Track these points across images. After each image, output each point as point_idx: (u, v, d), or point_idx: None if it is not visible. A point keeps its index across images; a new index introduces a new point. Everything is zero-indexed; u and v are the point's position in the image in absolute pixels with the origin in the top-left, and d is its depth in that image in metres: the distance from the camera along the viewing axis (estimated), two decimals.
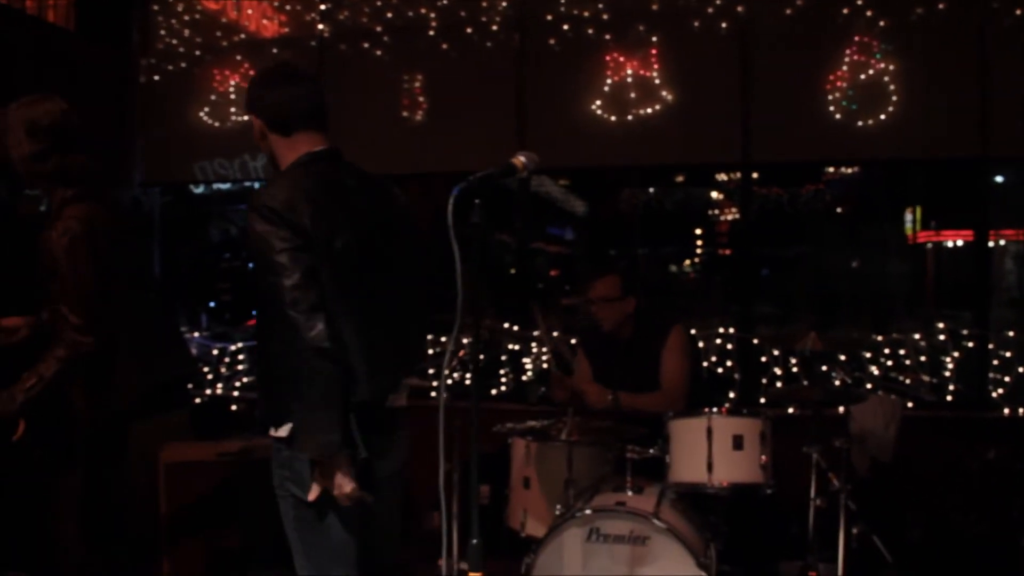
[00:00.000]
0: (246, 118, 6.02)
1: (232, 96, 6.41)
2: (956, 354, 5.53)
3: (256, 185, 6.51)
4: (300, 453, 2.52)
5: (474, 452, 2.21)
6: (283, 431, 2.56)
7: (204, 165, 6.49)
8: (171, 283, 7.06)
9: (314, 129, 2.74)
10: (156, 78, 6.55)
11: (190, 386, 5.81)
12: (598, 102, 5.78)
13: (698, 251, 12.82)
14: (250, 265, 2.67)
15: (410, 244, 2.84)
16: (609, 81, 5.77)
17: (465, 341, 3.48)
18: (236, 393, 6.39)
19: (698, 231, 12.54)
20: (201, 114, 6.44)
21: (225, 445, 4.67)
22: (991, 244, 6.11)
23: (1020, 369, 5.41)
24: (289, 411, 2.51)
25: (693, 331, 5.10)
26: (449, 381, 5.58)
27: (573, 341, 5.33)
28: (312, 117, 2.74)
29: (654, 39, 5.72)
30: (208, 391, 6.44)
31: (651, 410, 4.22)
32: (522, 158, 2.33)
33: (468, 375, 6.02)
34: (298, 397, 2.46)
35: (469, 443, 2.22)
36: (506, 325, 4.89)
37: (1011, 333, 5.47)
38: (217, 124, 6.44)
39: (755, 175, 6.26)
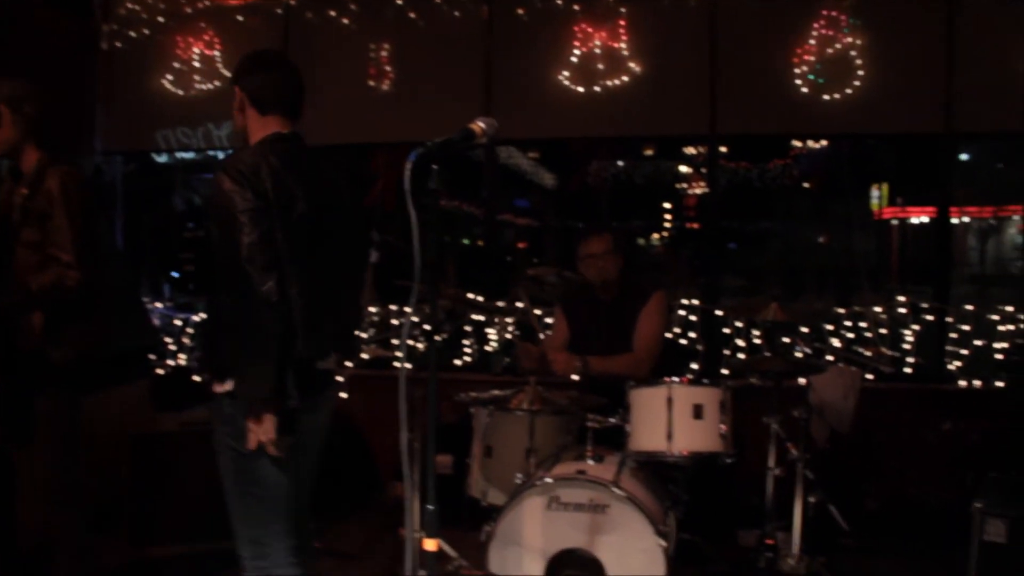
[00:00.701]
0: (210, 86, 5.98)
1: (196, 64, 6.30)
2: (916, 327, 5.60)
3: (220, 154, 6.43)
4: (239, 400, 2.70)
5: (431, 420, 2.22)
6: (227, 386, 2.74)
7: (167, 133, 6.39)
8: (133, 253, 6.98)
9: (285, 115, 2.95)
10: (118, 44, 6.43)
11: (152, 357, 5.78)
12: (566, 73, 5.76)
13: (666, 225, 12.87)
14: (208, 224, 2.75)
15: (352, 222, 3.08)
16: (577, 52, 5.74)
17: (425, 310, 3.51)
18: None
19: (667, 205, 12.58)
20: (164, 82, 6.34)
21: (188, 416, 4.65)
22: (955, 221, 6.17)
23: (977, 343, 5.49)
24: (232, 363, 2.70)
25: None
26: (413, 350, 5.59)
27: (535, 314, 5.33)
28: (287, 104, 2.96)
29: (623, 10, 5.70)
30: (171, 362, 6.39)
31: (620, 373, 4.28)
32: (481, 124, 2.33)
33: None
34: (242, 346, 2.65)
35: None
36: (471, 295, 4.89)
37: (970, 307, 5.54)
38: (181, 92, 6.34)
39: (723, 149, 6.28)
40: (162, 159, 7.20)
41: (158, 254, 7.59)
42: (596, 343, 4.51)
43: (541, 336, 5.02)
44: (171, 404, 4.88)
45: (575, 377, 4.46)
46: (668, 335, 5.46)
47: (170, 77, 6.34)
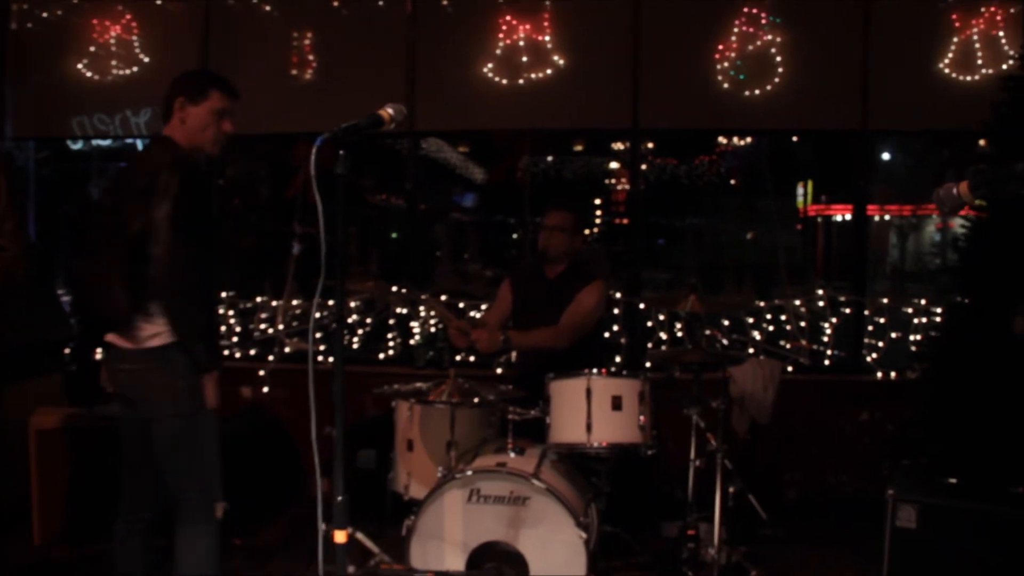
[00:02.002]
0: (128, 71, 5.83)
1: (114, 48, 6.11)
2: (834, 321, 5.71)
3: (139, 143, 6.25)
4: (198, 367, 3.02)
5: (338, 414, 2.18)
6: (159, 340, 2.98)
7: (82, 120, 6.19)
8: (47, 243, 6.75)
9: None
10: (29, 25, 6.19)
11: (66, 350, 5.62)
12: (490, 65, 5.73)
13: (596, 220, 12.94)
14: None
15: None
16: (502, 44, 5.72)
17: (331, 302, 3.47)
18: None
19: (596, 200, 12.65)
20: (80, 66, 6.13)
21: (100, 410, 4.51)
22: (876, 219, 6.30)
23: (893, 335, 5.62)
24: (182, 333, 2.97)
25: None
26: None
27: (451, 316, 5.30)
28: None
29: (547, 3, 5.70)
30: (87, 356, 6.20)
31: (540, 346, 4.36)
32: (389, 110, 2.30)
33: (355, 339, 5.96)
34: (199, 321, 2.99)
35: (355, 407, 2.22)
36: (395, 288, 4.84)
37: (885, 300, 5.66)
38: (97, 77, 6.14)
39: (650, 145, 6.31)
40: (77, 146, 6.96)
41: (73, 245, 7.36)
42: (534, 318, 4.53)
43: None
44: (86, 399, 4.74)
45: (499, 369, 4.46)
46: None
47: (86, 61, 6.13)
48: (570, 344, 4.36)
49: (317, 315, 5.81)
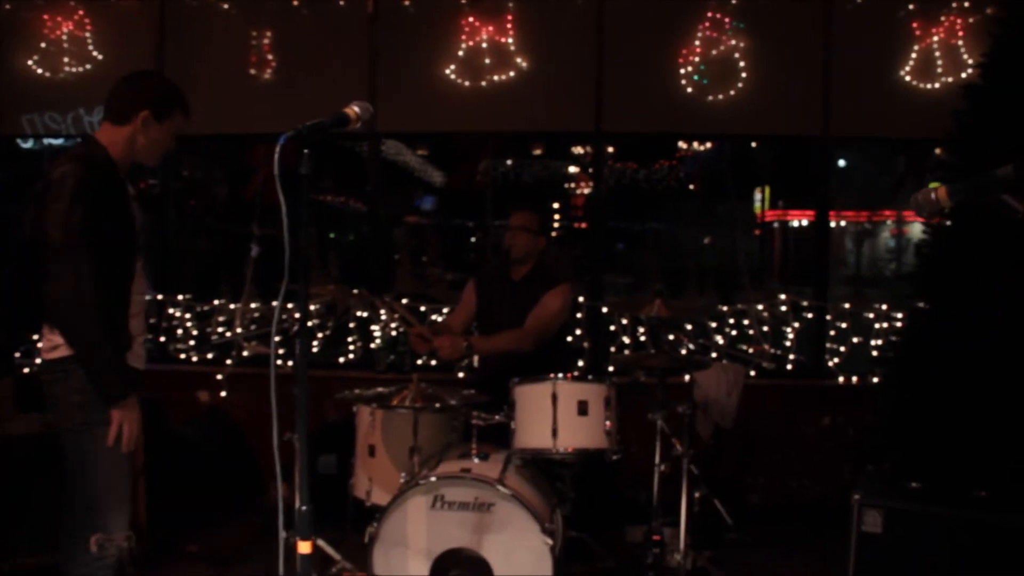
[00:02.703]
0: (80, 69, 5.69)
1: (65, 45, 5.97)
2: (796, 325, 5.73)
3: None
4: (107, 399, 2.80)
5: (301, 419, 2.11)
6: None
7: (33, 118, 6.03)
8: None
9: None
10: None
11: (16, 355, 5.46)
12: (452, 67, 5.68)
13: (555, 224, 12.92)
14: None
15: None
16: (464, 46, 5.67)
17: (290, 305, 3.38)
18: None
19: (555, 204, 12.64)
20: (30, 63, 5.98)
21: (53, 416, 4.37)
22: (833, 224, 6.34)
23: (855, 340, 5.65)
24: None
25: None
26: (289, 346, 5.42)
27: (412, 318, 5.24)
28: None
29: (510, 5, 5.66)
30: (37, 360, 6.03)
31: (504, 350, 4.31)
32: (355, 108, 2.25)
33: (316, 343, 5.86)
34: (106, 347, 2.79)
35: (315, 412, 2.15)
36: (355, 291, 4.76)
37: (847, 305, 5.70)
38: (48, 74, 5.99)
39: (611, 149, 6.30)
40: (28, 145, 6.78)
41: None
42: (498, 320, 4.51)
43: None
44: (35, 404, 4.59)
45: (461, 373, 4.40)
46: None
47: (36, 57, 5.99)
48: (534, 347, 4.31)
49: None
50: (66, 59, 5.97)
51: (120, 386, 2.81)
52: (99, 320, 2.72)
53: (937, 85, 5.51)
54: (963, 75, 5.33)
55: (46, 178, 2.78)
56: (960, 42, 5.47)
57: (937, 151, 4.90)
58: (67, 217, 2.67)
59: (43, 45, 5.98)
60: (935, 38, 5.50)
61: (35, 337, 3.10)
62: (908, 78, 5.53)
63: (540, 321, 4.42)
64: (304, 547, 2.11)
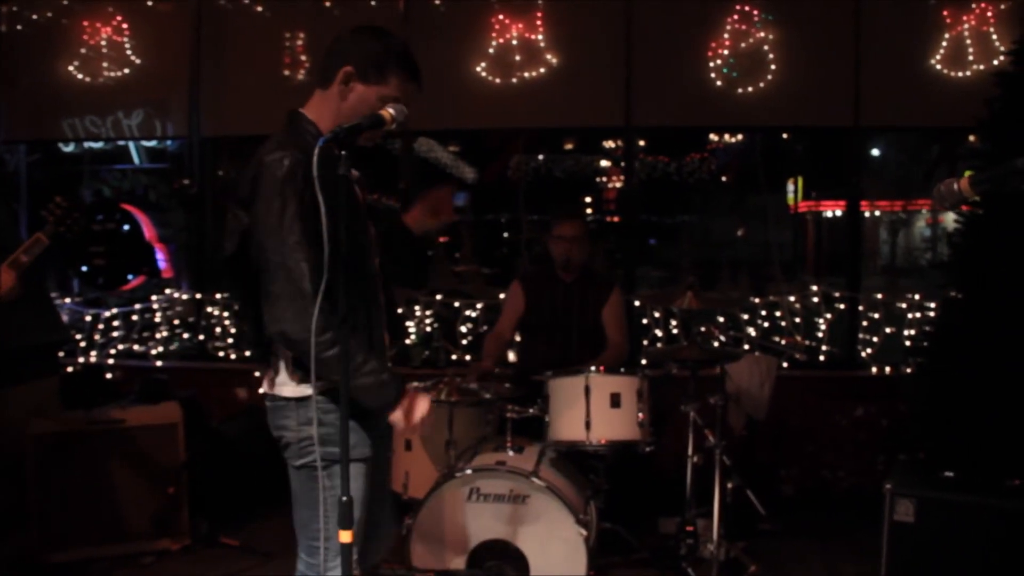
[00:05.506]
0: (119, 73, 5.78)
1: (104, 50, 6.09)
2: (829, 316, 5.73)
3: (131, 145, 6.23)
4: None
5: (343, 412, 2.16)
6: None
7: (73, 122, 6.17)
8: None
9: None
10: (19, 27, 6.18)
11: (61, 354, 5.59)
12: (483, 64, 5.74)
13: (587, 218, 12.94)
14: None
15: None
16: (494, 43, 5.72)
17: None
18: (111, 361, 6.15)
19: (587, 199, 12.66)
20: (70, 68, 6.11)
21: (96, 414, 4.49)
22: (867, 215, 6.30)
23: (888, 331, 5.64)
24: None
25: None
26: None
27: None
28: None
29: (540, 2, 5.70)
30: (81, 359, 6.18)
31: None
32: (391, 110, 2.30)
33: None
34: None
35: None
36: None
37: (880, 296, 5.68)
38: (88, 79, 6.12)
39: (641, 143, 6.31)
40: (69, 149, 6.93)
41: (66, 248, 7.33)
42: (550, 321, 4.64)
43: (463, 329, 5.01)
44: (80, 402, 4.71)
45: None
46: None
47: (76, 63, 6.12)
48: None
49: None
50: (105, 64, 6.10)
51: None
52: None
53: (969, 73, 5.46)
54: (995, 62, 5.28)
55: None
56: (992, 29, 5.43)
57: (971, 139, 4.88)
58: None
59: (82, 51, 6.11)
60: (966, 25, 5.46)
61: None
62: (939, 66, 5.49)
63: (622, 331, 4.69)
64: (345, 536, 2.17)
